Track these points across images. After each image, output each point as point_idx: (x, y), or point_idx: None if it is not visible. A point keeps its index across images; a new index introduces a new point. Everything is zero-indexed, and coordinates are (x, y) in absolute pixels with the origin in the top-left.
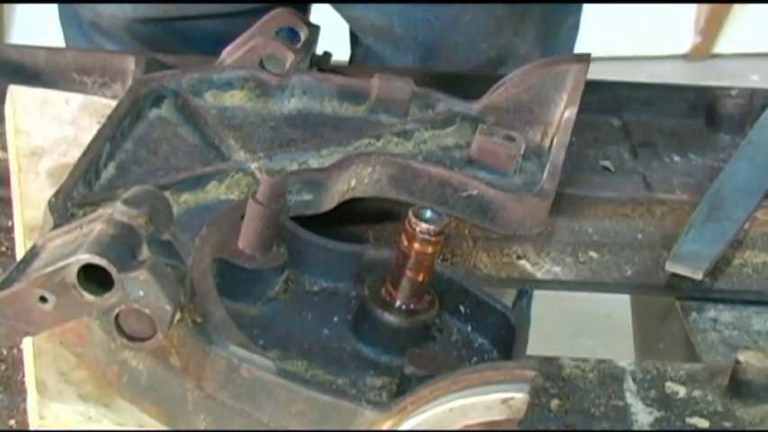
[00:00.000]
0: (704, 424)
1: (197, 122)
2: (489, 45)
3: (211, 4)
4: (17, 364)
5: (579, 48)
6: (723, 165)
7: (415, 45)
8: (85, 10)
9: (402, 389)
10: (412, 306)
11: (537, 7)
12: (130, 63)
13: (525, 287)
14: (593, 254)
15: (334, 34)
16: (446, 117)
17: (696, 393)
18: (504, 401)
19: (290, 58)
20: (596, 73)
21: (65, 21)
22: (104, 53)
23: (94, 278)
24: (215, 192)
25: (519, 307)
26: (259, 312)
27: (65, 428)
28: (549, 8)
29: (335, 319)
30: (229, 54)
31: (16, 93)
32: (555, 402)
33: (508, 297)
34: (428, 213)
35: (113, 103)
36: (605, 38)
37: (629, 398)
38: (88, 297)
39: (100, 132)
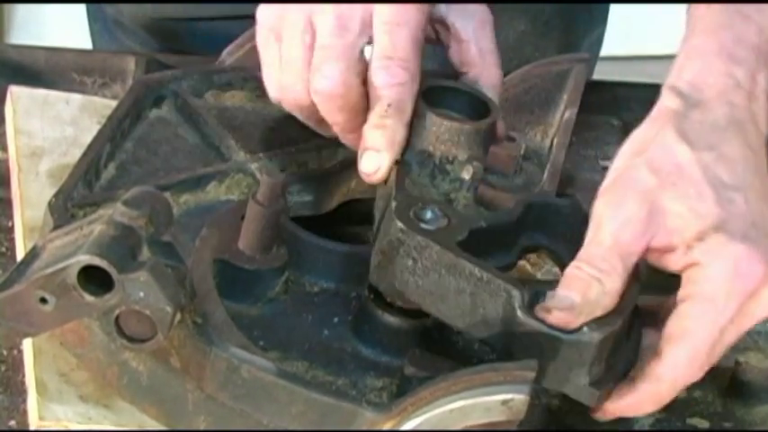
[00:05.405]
0: (704, 424)
1: (197, 123)
2: (508, 59)
3: (231, 4)
4: (17, 364)
5: None
6: None
7: (434, 53)
8: (109, 7)
9: (402, 390)
10: (412, 307)
11: (559, 23)
12: (130, 63)
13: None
14: None
15: None
16: None
17: (696, 393)
18: (504, 402)
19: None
20: (596, 73)
21: (91, 15)
22: (104, 53)
23: (95, 279)
24: (215, 192)
25: None
26: (259, 313)
27: (65, 429)
28: (571, 23)
29: (336, 319)
30: (229, 54)
31: (16, 93)
32: (555, 402)
33: None
34: (428, 213)
35: (113, 103)
36: (605, 38)
37: None
38: (88, 298)
39: (100, 133)
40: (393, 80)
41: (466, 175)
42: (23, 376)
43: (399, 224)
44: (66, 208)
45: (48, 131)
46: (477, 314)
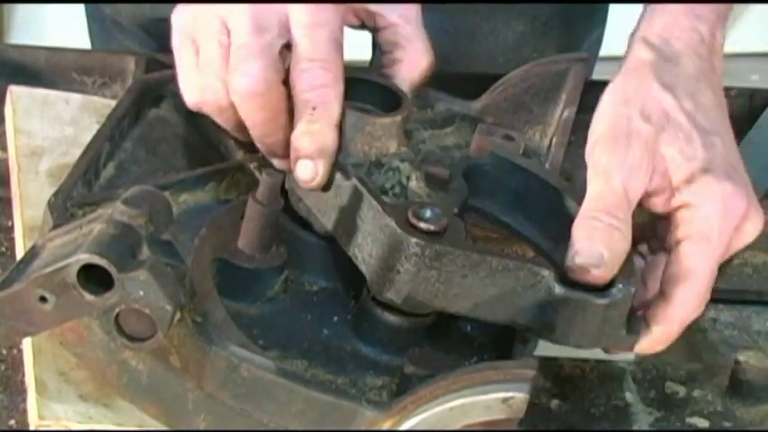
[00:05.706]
0: (704, 424)
1: (197, 122)
2: (507, 60)
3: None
4: (17, 364)
5: None
6: None
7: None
8: (107, 7)
9: (402, 388)
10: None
11: (558, 23)
12: (130, 63)
13: None
14: None
15: (356, 34)
16: (445, 117)
17: (696, 393)
18: (504, 401)
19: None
20: (596, 73)
21: (89, 15)
22: (104, 53)
23: (94, 278)
24: (214, 192)
25: None
26: (259, 312)
27: (65, 428)
28: (570, 24)
29: (335, 318)
30: None
31: (16, 93)
32: (555, 402)
33: None
34: (428, 212)
35: (113, 102)
36: (605, 38)
37: (629, 398)
38: (88, 297)
39: (99, 132)
40: (316, 82)
41: (400, 164)
42: (23, 375)
43: (414, 239)
44: (65, 207)
45: (47, 131)
46: (508, 303)
